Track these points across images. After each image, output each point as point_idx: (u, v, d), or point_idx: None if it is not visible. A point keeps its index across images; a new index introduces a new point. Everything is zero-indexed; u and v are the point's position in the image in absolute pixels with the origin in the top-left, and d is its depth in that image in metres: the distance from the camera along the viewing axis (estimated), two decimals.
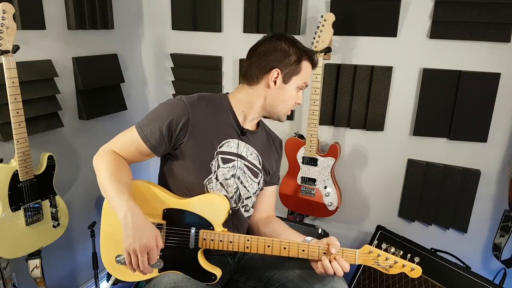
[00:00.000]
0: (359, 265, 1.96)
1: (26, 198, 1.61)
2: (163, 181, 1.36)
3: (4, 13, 1.42)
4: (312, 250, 1.20)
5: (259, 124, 1.44)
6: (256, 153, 1.38)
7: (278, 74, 1.29)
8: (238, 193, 1.36)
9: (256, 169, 1.38)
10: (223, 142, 1.32)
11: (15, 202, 1.58)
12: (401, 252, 1.21)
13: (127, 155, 1.29)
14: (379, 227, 2.03)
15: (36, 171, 1.65)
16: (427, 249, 1.81)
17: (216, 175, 1.31)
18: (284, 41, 1.31)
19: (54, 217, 1.71)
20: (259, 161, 1.39)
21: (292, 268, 1.29)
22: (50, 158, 1.69)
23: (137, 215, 1.12)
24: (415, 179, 1.99)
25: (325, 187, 2.02)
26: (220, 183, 1.31)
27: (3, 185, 1.54)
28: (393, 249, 1.20)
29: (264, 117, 1.42)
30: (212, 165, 1.30)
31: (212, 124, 1.30)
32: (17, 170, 1.56)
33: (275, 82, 1.30)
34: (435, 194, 1.95)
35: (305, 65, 1.32)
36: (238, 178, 1.35)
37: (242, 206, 1.39)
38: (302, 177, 2.05)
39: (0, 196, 1.54)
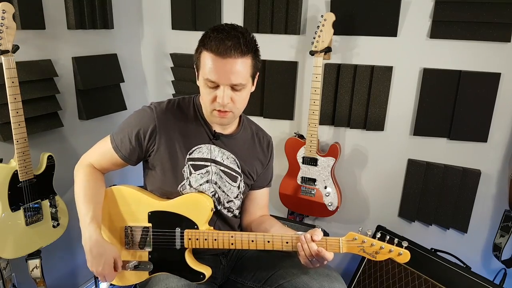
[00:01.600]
0: (359, 266, 1.96)
1: (26, 198, 1.61)
2: (145, 188, 1.39)
3: (4, 13, 1.42)
4: (296, 241, 1.19)
5: (240, 123, 1.39)
6: (233, 157, 1.34)
7: (195, 69, 1.23)
8: (216, 196, 1.34)
9: (234, 173, 1.35)
10: (193, 149, 1.29)
11: (15, 202, 1.58)
12: (388, 237, 1.17)
13: (103, 165, 1.34)
14: (379, 227, 2.03)
15: (36, 171, 1.65)
16: (427, 249, 1.81)
17: (189, 181, 1.30)
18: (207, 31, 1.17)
19: (54, 217, 1.71)
20: (238, 165, 1.35)
21: (291, 269, 1.28)
22: (50, 158, 1.69)
23: (96, 242, 1.16)
24: (415, 179, 1.99)
25: (325, 187, 2.02)
26: (195, 189, 1.30)
27: (3, 185, 1.54)
28: (379, 235, 1.17)
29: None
30: (184, 172, 1.29)
31: (181, 130, 1.29)
32: (16, 170, 1.56)
33: (197, 78, 1.24)
34: (435, 194, 1.95)
35: (204, 56, 1.15)
36: (215, 183, 1.32)
37: (225, 208, 1.37)
38: (302, 177, 2.05)
39: None
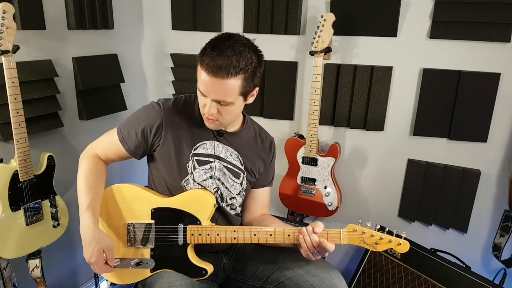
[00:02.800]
0: (359, 265, 1.96)
1: (26, 198, 1.61)
2: (149, 183, 1.42)
3: (4, 13, 1.42)
4: (297, 234, 1.21)
5: (244, 123, 1.42)
6: (237, 154, 1.37)
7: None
8: (219, 193, 1.36)
9: (237, 170, 1.37)
10: (198, 144, 1.32)
11: (15, 202, 1.58)
12: (387, 229, 1.21)
13: (109, 156, 1.37)
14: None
15: (36, 171, 1.65)
16: (427, 249, 1.81)
17: (193, 176, 1.32)
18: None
19: (54, 217, 1.72)
20: (241, 162, 1.38)
21: (291, 266, 1.29)
22: (50, 158, 1.69)
23: (88, 229, 1.19)
24: (415, 179, 1.99)
25: (325, 187, 2.02)
26: (198, 183, 1.32)
27: (3, 185, 1.54)
28: (378, 226, 1.21)
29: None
30: (188, 167, 1.31)
31: (186, 126, 1.32)
32: (17, 170, 1.56)
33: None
34: (435, 194, 1.95)
35: (199, 67, 1.18)
36: (218, 179, 1.35)
37: (227, 205, 1.39)
38: (302, 177, 2.05)
39: (0, 196, 1.54)
